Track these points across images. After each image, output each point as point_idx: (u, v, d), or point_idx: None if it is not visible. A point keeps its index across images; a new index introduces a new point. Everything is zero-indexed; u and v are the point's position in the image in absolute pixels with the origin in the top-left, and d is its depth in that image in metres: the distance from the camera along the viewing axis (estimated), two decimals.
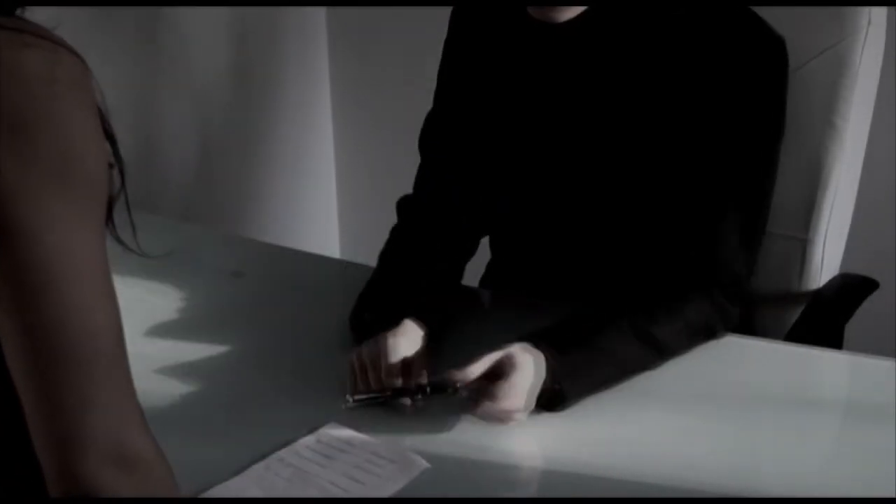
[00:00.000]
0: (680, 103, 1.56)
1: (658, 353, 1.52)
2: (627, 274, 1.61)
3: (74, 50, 0.97)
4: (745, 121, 1.57)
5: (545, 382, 1.42)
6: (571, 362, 1.45)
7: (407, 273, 1.65)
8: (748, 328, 1.77)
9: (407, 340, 1.49)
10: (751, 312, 1.86)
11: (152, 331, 1.67)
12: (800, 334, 1.80)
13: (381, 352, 1.46)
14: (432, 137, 1.78)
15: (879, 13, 1.75)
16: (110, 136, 1.01)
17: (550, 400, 1.44)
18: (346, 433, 1.41)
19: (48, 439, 0.95)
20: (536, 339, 1.45)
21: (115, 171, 1.02)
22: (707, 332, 1.57)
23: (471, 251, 1.78)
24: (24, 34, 0.95)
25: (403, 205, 1.79)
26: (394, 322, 1.52)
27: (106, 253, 0.98)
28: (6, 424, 1.00)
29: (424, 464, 1.36)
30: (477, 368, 1.40)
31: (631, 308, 1.53)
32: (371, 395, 1.43)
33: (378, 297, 1.63)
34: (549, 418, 1.45)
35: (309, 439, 1.40)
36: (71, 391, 0.94)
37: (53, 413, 0.94)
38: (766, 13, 1.63)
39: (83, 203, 0.95)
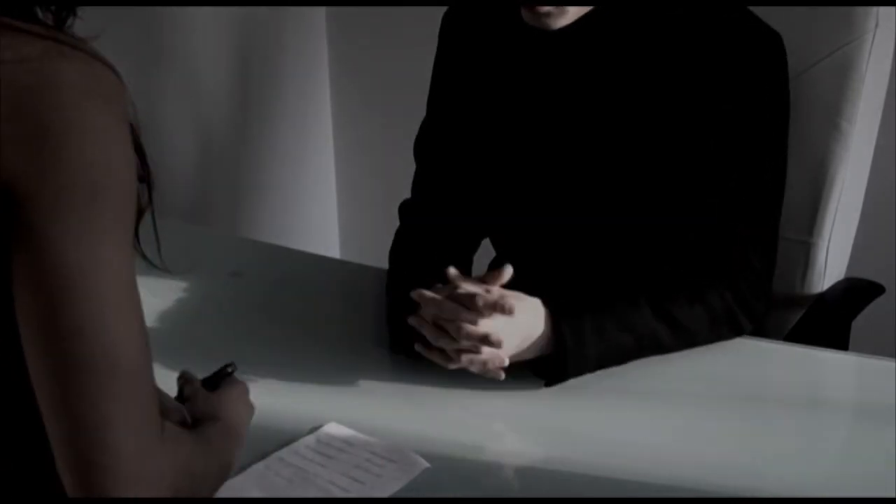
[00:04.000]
0: (679, 105, 1.57)
1: (674, 332, 1.52)
2: (635, 273, 1.61)
3: (110, 63, 0.97)
4: (751, 119, 1.57)
5: (546, 346, 1.46)
6: (580, 326, 1.46)
7: (423, 273, 1.63)
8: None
9: None
10: None
11: (151, 331, 1.63)
12: (800, 336, 1.79)
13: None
14: (427, 144, 1.79)
15: (888, 14, 1.74)
16: (140, 151, 1.01)
17: (554, 367, 1.46)
18: (347, 433, 1.40)
19: (69, 457, 0.95)
20: (546, 303, 1.47)
21: (143, 185, 1.03)
22: (730, 322, 1.56)
23: (474, 248, 1.80)
24: (62, 45, 0.95)
25: (404, 209, 1.80)
26: None
27: (133, 267, 0.98)
28: (23, 431, 1.00)
29: (424, 464, 1.35)
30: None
31: (649, 288, 1.53)
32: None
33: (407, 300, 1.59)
34: (549, 417, 1.45)
35: (309, 439, 1.39)
36: (91, 407, 0.94)
37: (73, 430, 0.94)
38: (773, 14, 1.62)
39: (108, 215, 0.95)
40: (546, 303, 1.48)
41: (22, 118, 0.92)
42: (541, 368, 1.49)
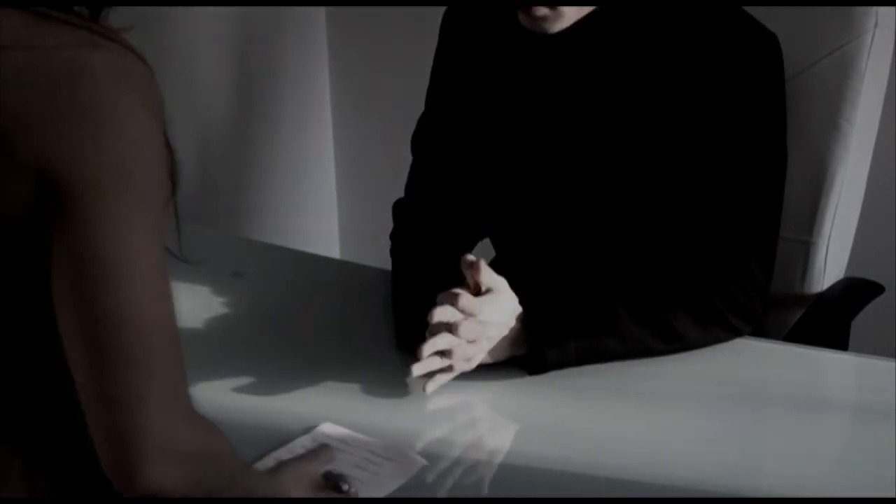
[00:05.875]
0: (677, 106, 1.57)
1: (658, 334, 1.52)
2: (634, 273, 1.61)
3: (142, 55, 1.00)
4: (749, 120, 1.57)
5: (524, 340, 1.48)
6: (556, 321, 1.49)
7: (427, 272, 1.64)
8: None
9: None
10: None
11: None
12: (800, 336, 1.79)
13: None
14: (424, 140, 1.79)
15: (887, 14, 1.74)
16: (168, 144, 1.02)
17: (533, 358, 1.48)
18: (342, 432, 1.40)
19: (105, 433, 0.98)
20: (526, 304, 1.49)
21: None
22: (721, 325, 1.56)
23: (472, 245, 1.79)
24: (95, 35, 0.98)
25: (398, 209, 1.79)
26: None
27: (164, 253, 1.00)
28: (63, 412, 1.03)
29: (423, 461, 1.35)
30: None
31: (635, 289, 1.54)
32: None
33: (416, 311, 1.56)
34: (548, 417, 1.45)
35: (305, 439, 1.39)
36: (127, 387, 0.97)
37: (110, 408, 0.98)
38: (772, 14, 1.62)
39: (140, 200, 0.98)
40: (524, 298, 1.49)
41: (57, 105, 0.95)
42: (523, 359, 1.50)
